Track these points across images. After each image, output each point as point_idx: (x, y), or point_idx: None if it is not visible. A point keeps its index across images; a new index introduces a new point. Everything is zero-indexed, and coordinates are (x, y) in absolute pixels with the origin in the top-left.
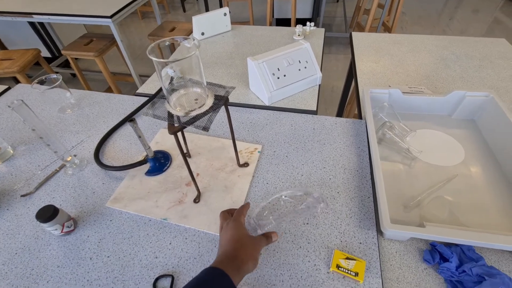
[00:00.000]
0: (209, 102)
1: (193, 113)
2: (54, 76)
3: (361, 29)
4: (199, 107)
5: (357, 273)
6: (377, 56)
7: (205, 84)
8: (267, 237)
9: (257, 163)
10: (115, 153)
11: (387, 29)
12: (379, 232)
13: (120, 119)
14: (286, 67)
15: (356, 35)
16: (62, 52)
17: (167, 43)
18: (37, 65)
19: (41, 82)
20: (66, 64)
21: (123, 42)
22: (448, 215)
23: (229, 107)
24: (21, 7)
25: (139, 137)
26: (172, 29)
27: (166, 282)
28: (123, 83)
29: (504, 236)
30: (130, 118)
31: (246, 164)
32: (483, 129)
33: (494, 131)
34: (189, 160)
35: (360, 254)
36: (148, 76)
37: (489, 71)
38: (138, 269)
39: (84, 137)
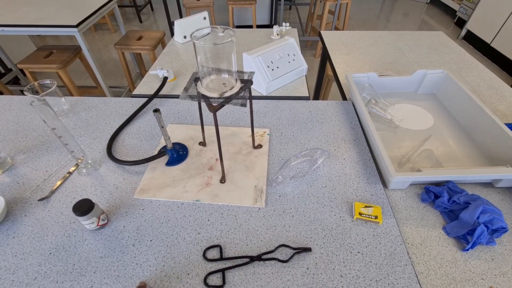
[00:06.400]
0: (238, 84)
1: (227, 94)
2: (48, 81)
3: (317, 32)
4: (230, 89)
5: (377, 216)
6: (347, 49)
7: (235, 70)
8: None
9: (269, 144)
10: (127, 150)
11: None
12: (384, 185)
13: (122, 120)
14: (278, 60)
15: (325, 33)
16: (18, 66)
17: (206, 32)
18: None
19: (32, 90)
20: (15, 81)
21: (90, 52)
22: (433, 164)
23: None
24: None
25: (162, 127)
26: (140, 38)
27: (215, 251)
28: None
29: (478, 169)
30: (154, 109)
31: (259, 146)
32: (442, 99)
33: (450, 99)
34: (205, 147)
35: (374, 203)
36: (116, 87)
37: (436, 56)
38: (184, 245)
39: (89, 140)
